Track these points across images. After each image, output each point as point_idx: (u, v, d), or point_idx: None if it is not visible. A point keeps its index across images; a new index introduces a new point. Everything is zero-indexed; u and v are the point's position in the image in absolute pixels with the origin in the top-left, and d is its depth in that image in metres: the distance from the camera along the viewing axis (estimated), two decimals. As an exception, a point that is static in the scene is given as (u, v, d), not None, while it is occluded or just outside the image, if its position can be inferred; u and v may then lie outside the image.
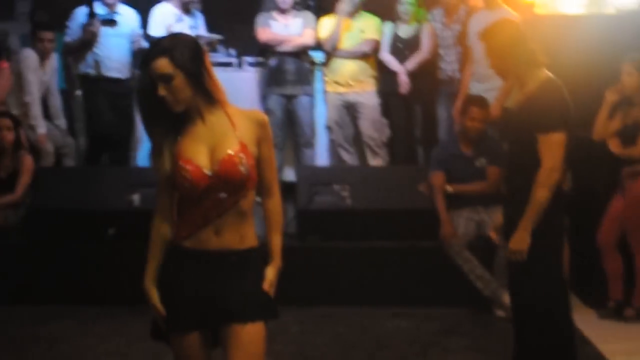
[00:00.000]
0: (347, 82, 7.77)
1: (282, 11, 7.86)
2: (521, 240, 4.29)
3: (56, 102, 8.06)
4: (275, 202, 3.42)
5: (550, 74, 4.40)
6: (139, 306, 3.74)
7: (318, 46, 7.98)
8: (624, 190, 6.15)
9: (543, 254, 4.33)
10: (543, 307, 4.37)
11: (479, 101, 6.55)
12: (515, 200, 4.39)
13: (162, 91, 3.09)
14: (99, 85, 7.79)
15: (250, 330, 3.20)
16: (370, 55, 7.79)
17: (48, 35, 7.78)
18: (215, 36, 8.34)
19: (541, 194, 4.24)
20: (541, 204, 4.25)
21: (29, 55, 7.68)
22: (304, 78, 7.89)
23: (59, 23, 7.96)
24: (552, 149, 4.25)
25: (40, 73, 7.75)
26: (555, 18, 7.51)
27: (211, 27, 8.36)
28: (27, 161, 6.94)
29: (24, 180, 6.87)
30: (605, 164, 6.40)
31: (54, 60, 7.98)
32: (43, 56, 7.79)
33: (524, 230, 4.28)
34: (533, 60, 4.39)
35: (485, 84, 7.07)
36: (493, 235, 5.99)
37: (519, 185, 4.39)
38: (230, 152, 3.15)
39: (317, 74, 8.18)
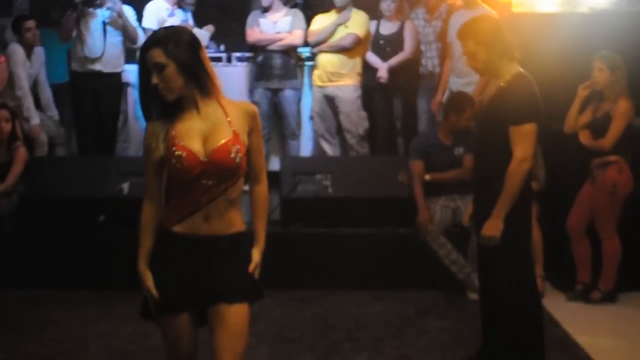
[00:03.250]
0: (328, 75, 7.90)
1: (270, 9, 7.99)
2: (494, 227, 4.39)
3: (47, 94, 8.13)
4: (263, 188, 3.55)
5: (521, 69, 4.49)
6: (128, 290, 3.87)
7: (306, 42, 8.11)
8: (593, 179, 6.28)
9: (513, 240, 4.42)
10: (512, 292, 4.47)
11: (469, 99, 6.57)
12: (485, 190, 4.51)
13: (155, 79, 3.20)
14: (86, 81, 7.85)
15: (236, 310, 3.31)
16: (349, 49, 7.86)
17: (30, 23, 7.85)
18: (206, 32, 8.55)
19: (513, 183, 4.34)
20: (514, 192, 4.35)
21: (16, 50, 7.76)
22: (290, 72, 8.00)
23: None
24: (523, 139, 4.34)
25: (27, 65, 7.84)
26: (532, 16, 7.65)
27: (202, 23, 8.51)
28: (21, 152, 7.02)
29: (16, 170, 6.94)
30: (576, 155, 6.52)
31: (40, 54, 8.04)
32: (29, 48, 7.87)
33: (497, 218, 4.38)
34: (508, 54, 4.47)
35: (463, 78, 7.25)
36: (466, 221, 6.14)
37: (488, 175, 4.49)
38: (224, 140, 3.25)
39: (306, 69, 8.34)
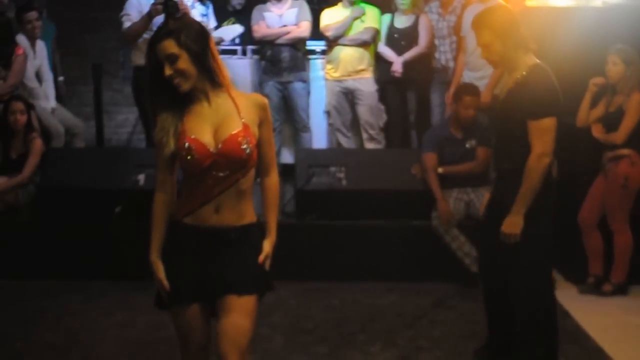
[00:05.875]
0: (346, 69, 7.92)
1: (276, 1, 8.01)
2: (514, 224, 4.35)
3: (50, 84, 8.13)
4: (273, 180, 3.57)
5: (538, 60, 4.41)
6: (143, 281, 3.84)
7: (318, 35, 8.12)
8: (605, 173, 6.30)
9: (533, 237, 4.38)
10: (532, 285, 4.45)
11: (471, 89, 6.60)
12: (504, 185, 4.47)
13: (168, 71, 3.21)
14: None
15: (244, 302, 3.34)
16: (370, 43, 7.92)
17: (32, 15, 7.87)
18: (238, 29, 8.57)
19: (532, 179, 4.28)
20: (533, 188, 4.29)
21: (21, 42, 7.78)
22: (298, 65, 8.03)
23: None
24: (542, 134, 4.27)
25: (32, 57, 7.87)
26: (546, 10, 7.62)
27: (217, 15, 8.55)
28: (37, 144, 7.07)
29: (33, 161, 7.00)
30: (588, 148, 6.53)
31: (42, 46, 8.07)
32: (32, 40, 7.89)
33: (516, 215, 4.33)
34: (524, 45, 4.38)
35: (477, 72, 7.25)
36: (482, 212, 6.15)
37: (507, 170, 4.45)
38: (234, 132, 3.26)
39: (313, 62, 8.37)
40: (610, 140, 6.27)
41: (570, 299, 6.11)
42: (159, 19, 7.01)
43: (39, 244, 6.68)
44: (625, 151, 6.20)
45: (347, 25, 7.92)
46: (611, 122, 6.27)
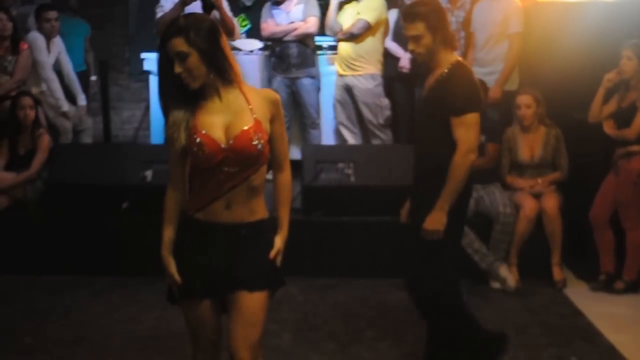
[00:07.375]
0: (347, 64, 7.88)
1: None
2: (437, 221, 4.22)
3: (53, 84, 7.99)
4: (286, 176, 3.56)
5: (459, 58, 4.36)
6: (151, 277, 3.92)
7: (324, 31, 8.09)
8: (617, 169, 6.25)
9: (446, 237, 4.27)
10: (435, 291, 4.41)
11: (485, 86, 6.46)
12: (425, 186, 4.34)
13: (178, 68, 3.20)
14: None
15: (254, 298, 3.34)
16: (358, 36, 7.80)
17: (52, 14, 7.85)
18: (257, 44, 8.54)
19: (458, 175, 4.18)
20: (458, 185, 4.20)
21: (37, 38, 7.77)
22: (307, 61, 7.96)
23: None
24: (466, 130, 4.18)
25: (46, 54, 7.83)
26: (557, 5, 7.59)
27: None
28: (45, 139, 7.05)
29: (40, 157, 6.98)
30: (600, 145, 6.50)
31: (58, 43, 8.02)
32: (49, 37, 7.86)
33: (440, 211, 4.21)
34: (450, 42, 4.31)
35: (486, 68, 7.21)
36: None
37: (428, 169, 4.33)
38: (245, 127, 3.26)
39: (321, 58, 8.31)
40: (623, 137, 6.22)
41: (582, 297, 6.10)
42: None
43: (47, 240, 6.68)
44: (637, 147, 6.15)
45: (332, 17, 7.87)
46: (623, 118, 6.22)
